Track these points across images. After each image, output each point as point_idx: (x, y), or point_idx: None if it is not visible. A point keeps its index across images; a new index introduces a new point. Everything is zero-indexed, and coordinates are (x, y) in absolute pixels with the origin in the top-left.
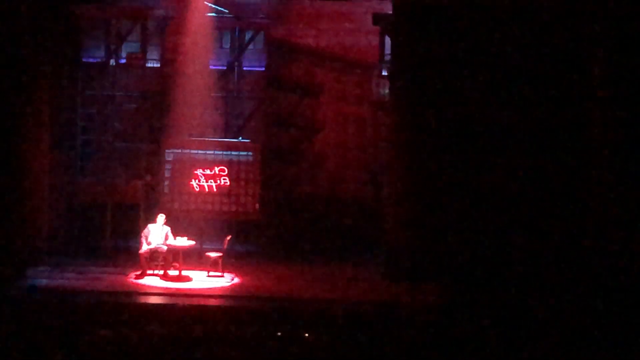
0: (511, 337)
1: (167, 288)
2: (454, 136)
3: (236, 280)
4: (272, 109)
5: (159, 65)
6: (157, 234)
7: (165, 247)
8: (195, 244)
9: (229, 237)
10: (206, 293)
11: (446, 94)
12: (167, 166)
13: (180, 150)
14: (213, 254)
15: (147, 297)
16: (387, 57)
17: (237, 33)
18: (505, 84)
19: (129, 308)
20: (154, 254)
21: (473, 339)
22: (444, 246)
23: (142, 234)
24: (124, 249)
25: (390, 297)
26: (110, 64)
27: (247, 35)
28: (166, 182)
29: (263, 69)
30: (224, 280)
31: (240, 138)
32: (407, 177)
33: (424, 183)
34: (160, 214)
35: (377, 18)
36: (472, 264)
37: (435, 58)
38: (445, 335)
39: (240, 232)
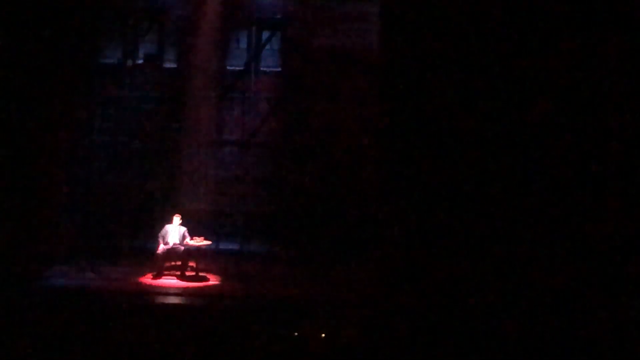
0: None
1: (184, 288)
2: (442, 135)
3: (250, 280)
4: (288, 109)
5: (175, 65)
6: (173, 234)
7: (182, 247)
8: (212, 244)
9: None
10: (221, 293)
11: (433, 94)
12: (184, 167)
13: (196, 151)
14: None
15: (164, 297)
16: None
17: (254, 33)
18: (498, 83)
19: (145, 308)
20: (170, 254)
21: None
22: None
23: (159, 235)
24: (141, 250)
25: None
26: (127, 64)
27: (264, 36)
28: (183, 183)
29: (279, 69)
30: (240, 281)
31: (257, 139)
32: (392, 176)
33: (411, 183)
34: (177, 215)
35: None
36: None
37: (423, 55)
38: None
39: (256, 232)
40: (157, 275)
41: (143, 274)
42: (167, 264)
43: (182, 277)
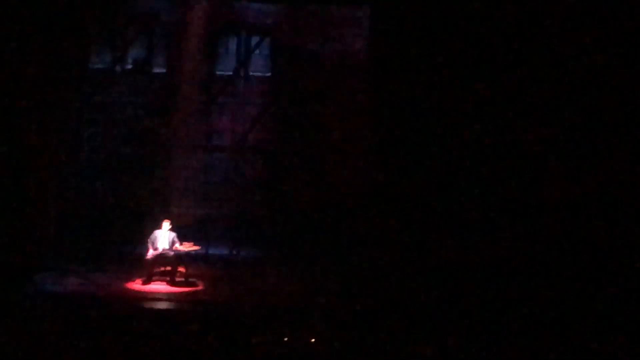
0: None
1: (173, 293)
2: (432, 138)
3: (240, 285)
4: (278, 114)
5: (164, 71)
6: (163, 240)
7: (171, 253)
8: (201, 249)
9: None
10: (211, 299)
11: (422, 98)
12: (173, 172)
13: (186, 156)
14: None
15: (153, 302)
16: None
17: (243, 39)
18: (487, 86)
19: (135, 314)
20: (160, 259)
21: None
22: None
23: (148, 240)
24: (130, 255)
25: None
26: (116, 70)
27: (253, 41)
28: (172, 188)
29: (269, 74)
30: (229, 286)
31: (246, 144)
32: (382, 179)
33: (400, 185)
34: (166, 220)
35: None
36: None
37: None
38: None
39: (245, 237)
40: (147, 281)
41: (132, 280)
42: (157, 270)
43: (171, 283)
